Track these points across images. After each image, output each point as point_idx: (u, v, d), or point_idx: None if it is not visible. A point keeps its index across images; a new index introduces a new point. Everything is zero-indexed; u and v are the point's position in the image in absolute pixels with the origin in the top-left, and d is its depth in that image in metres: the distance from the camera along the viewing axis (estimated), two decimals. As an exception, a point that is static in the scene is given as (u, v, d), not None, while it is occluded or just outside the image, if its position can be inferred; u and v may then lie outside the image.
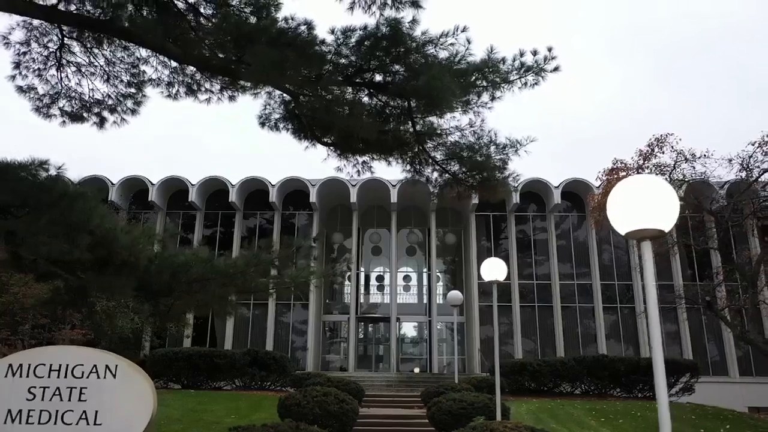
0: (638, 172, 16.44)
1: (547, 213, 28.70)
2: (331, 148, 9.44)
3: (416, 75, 7.55)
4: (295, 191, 28.89)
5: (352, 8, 7.14)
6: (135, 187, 28.34)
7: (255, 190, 28.68)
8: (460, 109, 8.41)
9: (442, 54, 8.12)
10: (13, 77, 7.41)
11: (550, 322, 27.40)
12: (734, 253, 23.69)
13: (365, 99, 8.68)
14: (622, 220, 4.48)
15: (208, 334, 26.82)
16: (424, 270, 31.28)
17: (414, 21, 7.41)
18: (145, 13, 8.43)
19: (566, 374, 19.69)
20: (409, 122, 8.64)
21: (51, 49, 7.35)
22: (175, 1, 8.47)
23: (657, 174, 16.77)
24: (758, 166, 15.83)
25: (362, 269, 31.76)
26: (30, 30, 7.16)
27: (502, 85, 8.61)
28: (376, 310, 30.98)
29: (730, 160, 15.86)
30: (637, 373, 19.60)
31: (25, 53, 7.34)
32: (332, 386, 14.59)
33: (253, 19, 8.23)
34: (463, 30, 7.93)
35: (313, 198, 27.67)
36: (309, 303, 27.22)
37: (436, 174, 9.45)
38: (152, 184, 27.66)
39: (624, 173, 16.32)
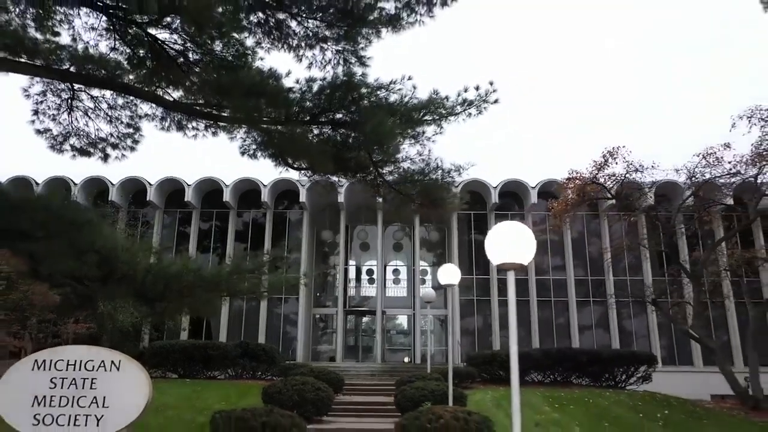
0: (592, 181, 17.99)
1: (525, 212, 30.23)
2: (302, 171, 11.03)
3: (367, 118, 9.05)
4: (286, 191, 30.39)
5: (310, 67, 8.65)
6: (134, 187, 29.82)
7: (248, 190, 30.19)
8: (407, 143, 9.93)
9: (393, 97, 9.63)
10: (33, 122, 8.92)
11: (526, 316, 29.01)
12: (712, 251, 25.25)
13: (330, 132, 10.19)
14: (496, 254, 6.03)
15: (204, 326, 28.41)
16: (410, 265, 32.86)
17: (364, 75, 8.88)
18: (141, 54, 9.93)
19: (533, 365, 21.30)
20: (367, 152, 10.16)
21: (63, 98, 8.85)
22: (166, 48, 9.97)
23: (611, 183, 18.34)
24: (703, 176, 17.38)
25: (352, 263, 33.44)
26: (46, 84, 8.65)
27: (449, 117, 10.12)
28: (363, 304, 32.60)
29: (677, 170, 17.40)
30: (598, 363, 21.20)
31: (42, 102, 8.84)
32: (313, 376, 16.22)
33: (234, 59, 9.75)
34: (409, 78, 9.47)
35: (303, 198, 29.15)
36: (299, 297, 28.79)
37: (393, 194, 10.98)
38: (150, 184, 29.15)
39: (579, 182, 17.86)
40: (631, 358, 21.51)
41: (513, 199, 30.60)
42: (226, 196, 29.30)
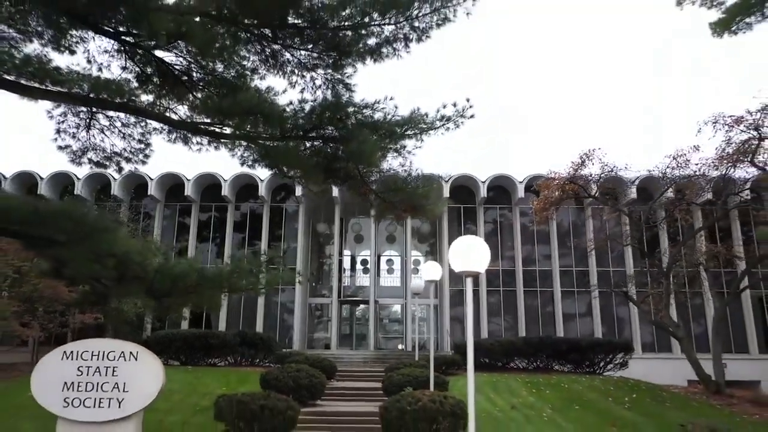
0: (571, 181, 19.15)
1: (513, 205, 31.41)
2: (296, 180, 12.16)
3: (353, 135, 10.13)
4: (282, 184, 31.43)
5: (302, 92, 9.73)
6: (135, 181, 30.82)
7: (245, 184, 31.27)
8: (390, 156, 11.01)
9: (377, 115, 10.70)
10: (55, 139, 10.01)
11: (513, 305, 30.28)
12: (682, 246, 26.51)
13: (320, 145, 11.28)
14: (457, 262, 7.18)
15: (204, 315, 29.57)
16: (403, 256, 34.08)
17: (350, 96, 9.96)
18: (149, 71, 11.00)
19: (515, 352, 22.56)
20: (354, 164, 11.26)
21: (82, 118, 9.91)
22: (171, 68, 11.02)
23: (593, 179, 19.55)
24: (673, 175, 18.54)
25: (347, 253, 34.66)
26: (67, 106, 9.71)
27: (429, 131, 11.21)
28: (357, 293, 33.85)
29: (650, 171, 18.52)
30: (577, 351, 22.46)
31: (63, 122, 9.91)
32: (308, 364, 17.42)
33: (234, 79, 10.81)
34: (391, 98, 10.51)
35: (299, 192, 30.20)
36: (296, 287, 29.95)
37: (378, 201, 12.09)
38: (151, 179, 30.18)
39: (556, 182, 19.04)
40: (609, 346, 22.79)
41: (501, 193, 31.74)
42: (225, 191, 30.38)
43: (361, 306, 33.35)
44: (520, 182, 30.36)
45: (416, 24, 8.58)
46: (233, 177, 30.44)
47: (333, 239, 33.01)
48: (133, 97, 9.34)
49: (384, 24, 8.55)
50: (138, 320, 24.89)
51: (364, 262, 34.70)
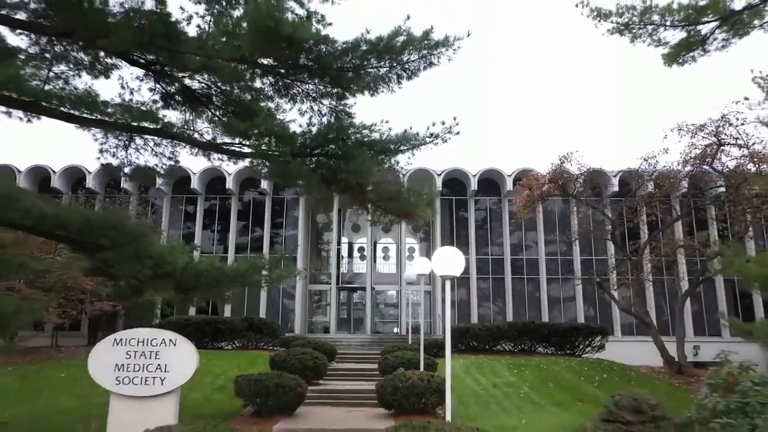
0: (550, 180, 20.93)
1: (502, 197, 33.18)
2: (302, 190, 13.88)
3: (353, 155, 11.83)
4: (283, 178, 33.08)
5: (310, 118, 11.41)
6: (143, 175, 32.38)
7: (248, 177, 32.90)
8: (385, 168, 12.72)
9: (374, 135, 12.39)
10: (98, 158, 11.72)
11: (502, 291, 32.20)
12: (662, 239, 28.34)
13: (324, 160, 12.97)
14: (439, 268, 8.95)
15: (210, 302, 31.36)
16: (398, 243, 35.91)
17: (351, 121, 11.64)
18: (173, 91, 12.69)
19: (501, 336, 24.44)
20: (354, 177, 12.96)
21: (121, 140, 11.59)
22: (194, 90, 12.68)
23: (571, 180, 21.29)
24: (644, 175, 20.32)
25: (345, 241, 36.46)
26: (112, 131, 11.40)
27: (420, 146, 12.90)
28: (354, 280, 35.72)
29: (622, 170, 20.26)
30: (558, 335, 24.36)
31: (105, 143, 11.59)
32: (310, 346, 19.27)
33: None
34: (387, 121, 12.19)
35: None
36: (297, 275, 31.75)
37: (374, 207, 13.82)
38: (158, 172, 31.75)
39: (538, 182, 20.81)
40: (586, 330, 24.69)
41: (491, 185, 33.50)
42: (229, 183, 32.04)
43: (359, 292, 35.24)
44: (509, 175, 32.09)
45: (407, 66, 10.26)
46: (237, 170, 32.04)
47: (332, 228, 34.79)
48: (168, 124, 10.97)
49: (380, 67, 10.23)
50: (150, 306, 26.70)
51: (361, 250, 36.50)
